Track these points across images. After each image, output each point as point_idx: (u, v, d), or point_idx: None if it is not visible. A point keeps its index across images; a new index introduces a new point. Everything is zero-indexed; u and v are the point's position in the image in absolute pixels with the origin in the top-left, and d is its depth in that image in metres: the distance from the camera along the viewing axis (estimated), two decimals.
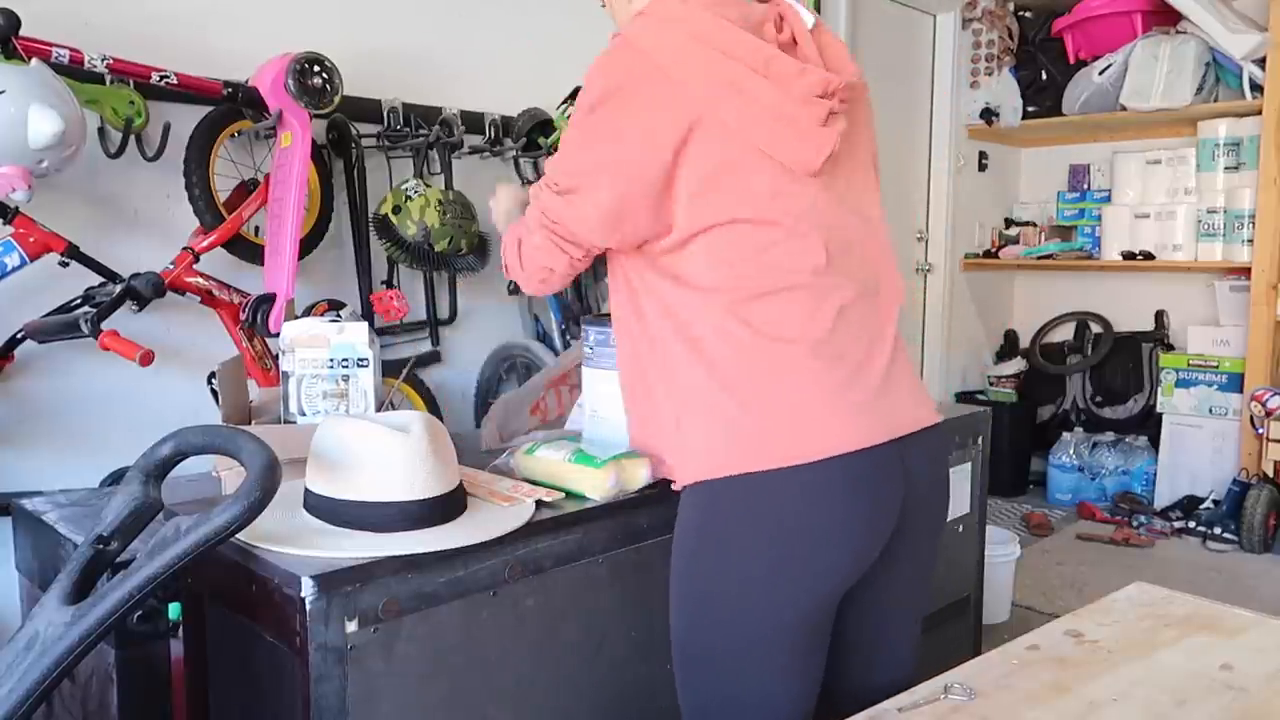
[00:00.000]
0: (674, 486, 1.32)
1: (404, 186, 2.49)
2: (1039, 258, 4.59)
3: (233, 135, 2.27)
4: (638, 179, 1.18)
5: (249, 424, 1.72)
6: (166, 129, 2.11)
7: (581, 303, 2.73)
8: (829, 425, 1.19)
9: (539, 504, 1.40)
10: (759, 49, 1.16)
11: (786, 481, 1.18)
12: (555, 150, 2.78)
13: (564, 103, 2.80)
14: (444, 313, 2.79)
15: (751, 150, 1.17)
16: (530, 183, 2.83)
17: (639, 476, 1.48)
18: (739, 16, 1.19)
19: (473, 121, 2.73)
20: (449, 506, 1.30)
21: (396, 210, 2.46)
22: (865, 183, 1.32)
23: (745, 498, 1.21)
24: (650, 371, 1.30)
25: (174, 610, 1.42)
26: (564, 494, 1.45)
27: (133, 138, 2.05)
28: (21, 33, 1.77)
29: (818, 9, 3.74)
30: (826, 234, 1.23)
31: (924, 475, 1.29)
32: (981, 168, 4.75)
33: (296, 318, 2.00)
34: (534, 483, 1.48)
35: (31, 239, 1.88)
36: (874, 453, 1.20)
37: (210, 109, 2.18)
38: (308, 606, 1.12)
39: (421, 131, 2.60)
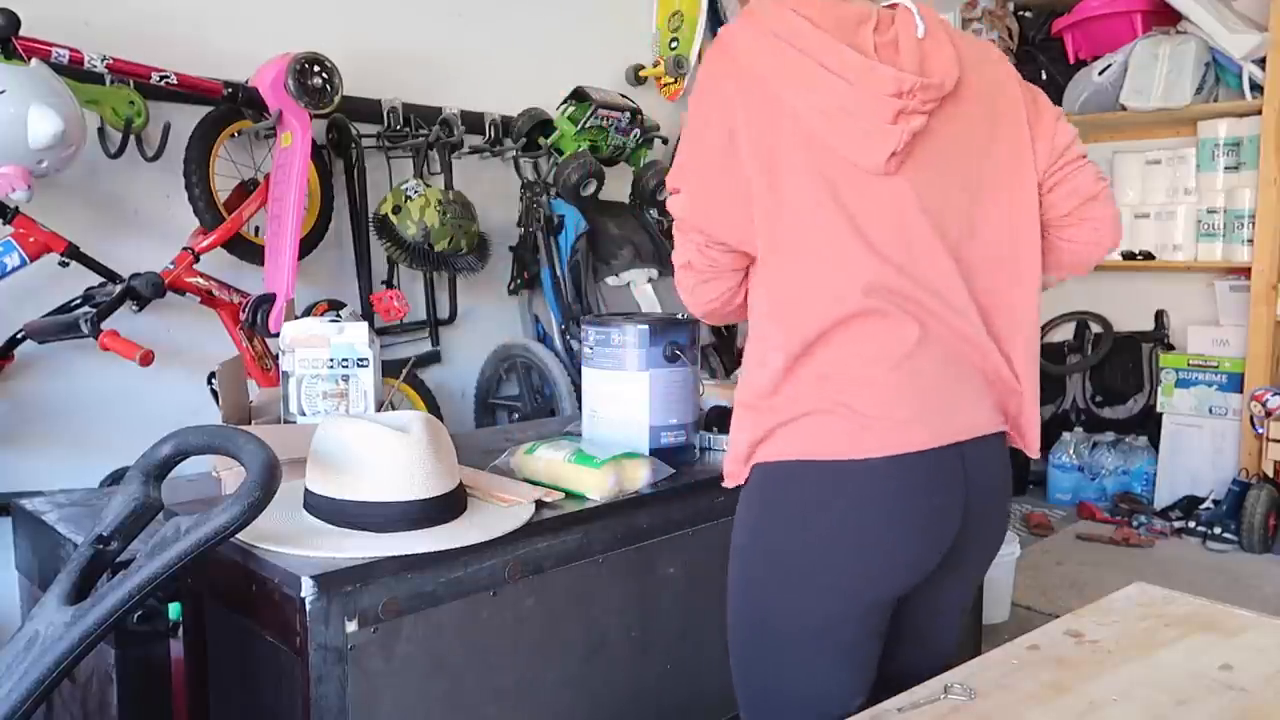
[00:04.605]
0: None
1: (404, 186, 2.49)
2: None
3: (233, 135, 2.27)
4: (714, 167, 1.20)
5: (249, 424, 1.72)
6: (166, 129, 2.11)
7: (581, 303, 2.73)
8: (887, 425, 1.18)
9: (539, 504, 1.40)
10: (831, 47, 1.17)
11: (841, 476, 1.18)
12: (556, 150, 2.80)
13: (564, 103, 2.79)
14: (444, 313, 2.79)
15: (818, 144, 1.17)
16: (530, 182, 2.83)
17: (639, 476, 1.48)
18: (823, 15, 1.19)
19: (473, 121, 2.73)
20: (449, 506, 1.30)
21: (396, 210, 2.46)
22: (964, 185, 1.25)
23: (803, 486, 1.20)
24: (751, 353, 1.29)
25: (174, 610, 1.41)
26: (564, 494, 1.45)
27: (133, 138, 2.05)
28: (21, 33, 1.78)
29: None
30: (900, 234, 1.19)
31: (987, 482, 1.27)
32: None
33: (296, 318, 2.00)
34: (534, 483, 1.48)
35: (31, 239, 1.88)
36: (930, 456, 1.19)
37: (210, 109, 2.18)
38: (308, 606, 1.12)
39: (421, 131, 2.60)
